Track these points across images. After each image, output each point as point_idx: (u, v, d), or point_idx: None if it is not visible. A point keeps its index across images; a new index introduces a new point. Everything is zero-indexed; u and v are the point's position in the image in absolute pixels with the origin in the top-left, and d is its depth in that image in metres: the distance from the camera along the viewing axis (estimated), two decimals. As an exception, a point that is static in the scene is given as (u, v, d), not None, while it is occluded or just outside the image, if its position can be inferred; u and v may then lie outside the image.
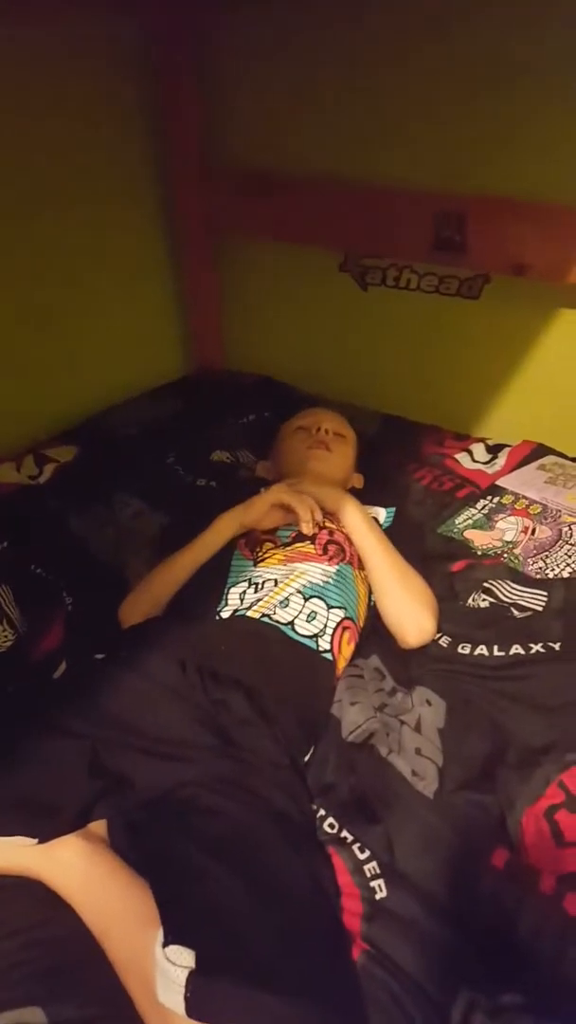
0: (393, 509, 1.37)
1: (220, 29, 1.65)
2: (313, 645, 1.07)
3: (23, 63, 1.46)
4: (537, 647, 1.12)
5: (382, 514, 1.35)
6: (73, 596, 1.31)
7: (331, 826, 0.92)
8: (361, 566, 1.21)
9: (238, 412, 1.85)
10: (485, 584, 1.25)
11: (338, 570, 1.16)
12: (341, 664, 1.11)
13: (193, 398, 1.93)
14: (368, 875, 0.86)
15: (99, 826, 0.90)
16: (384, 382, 1.87)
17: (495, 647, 1.13)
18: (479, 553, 1.36)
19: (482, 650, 1.13)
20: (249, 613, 1.08)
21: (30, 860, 0.85)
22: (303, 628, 1.07)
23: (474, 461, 1.62)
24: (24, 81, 1.48)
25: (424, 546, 1.39)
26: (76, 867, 0.84)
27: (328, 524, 1.24)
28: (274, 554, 1.18)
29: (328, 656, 1.07)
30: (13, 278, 1.60)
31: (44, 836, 0.83)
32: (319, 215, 1.66)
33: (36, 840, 0.83)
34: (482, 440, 1.69)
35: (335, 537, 1.22)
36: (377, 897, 0.84)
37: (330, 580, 1.14)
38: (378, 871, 0.86)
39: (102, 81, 1.63)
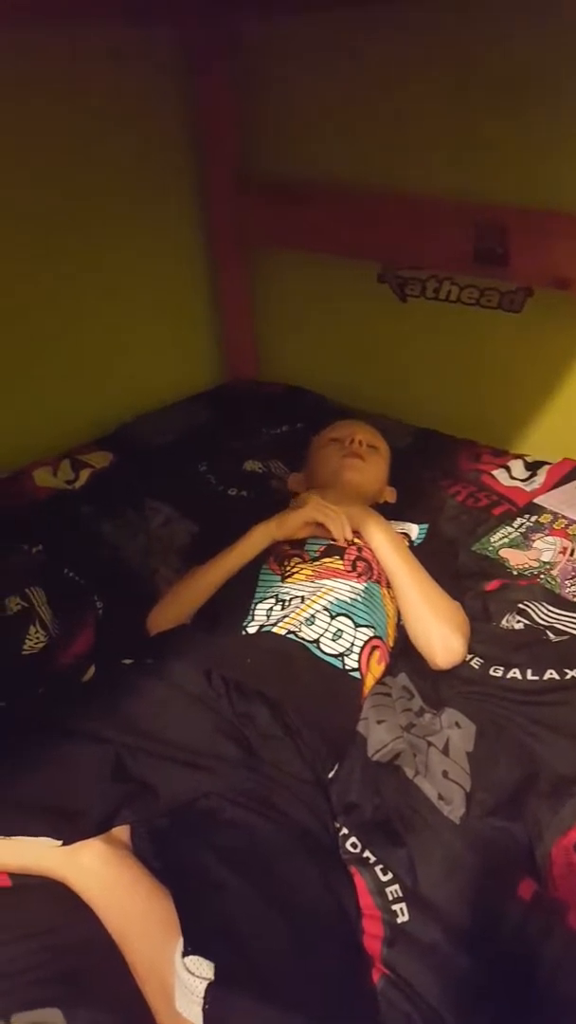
0: (426, 525, 1.35)
1: (257, 42, 1.66)
2: (339, 664, 1.05)
3: (61, 75, 1.49)
4: (572, 672, 1.09)
5: (414, 530, 1.33)
6: (104, 601, 1.32)
7: (354, 845, 0.90)
8: (389, 585, 1.20)
9: (271, 423, 1.86)
10: (520, 605, 1.22)
11: (366, 588, 1.15)
12: (370, 683, 1.09)
13: (226, 408, 1.94)
14: (390, 898, 0.85)
15: (122, 831, 0.90)
16: (421, 395, 1.86)
17: (529, 671, 1.10)
18: (514, 573, 1.34)
19: (515, 673, 1.10)
20: (275, 629, 1.07)
21: (53, 862, 0.85)
22: (329, 647, 1.06)
23: (512, 478, 1.60)
24: (61, 93, 1.50)
25: (456, 564, 1.37)
26: (98, 871, 0.84)
27: (356, 540, 1.23)
28: (302, 569, 1.17)
29: (356, 675, 1.06)
30: (50, 287, 1.63)
31: (68, 839, 0.84)
32: (357, 226, 1.65)
33: (60, 842, 0.83)
34: (521, 457, 1.67)
35: (363, 554, 1.20)
36: (399, 921, 0.83)
37: (358, 598, 1.13)
38: (400, 894, 0.85)
39: (140, 93, 1.66)
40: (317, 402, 1.93)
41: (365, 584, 1.15)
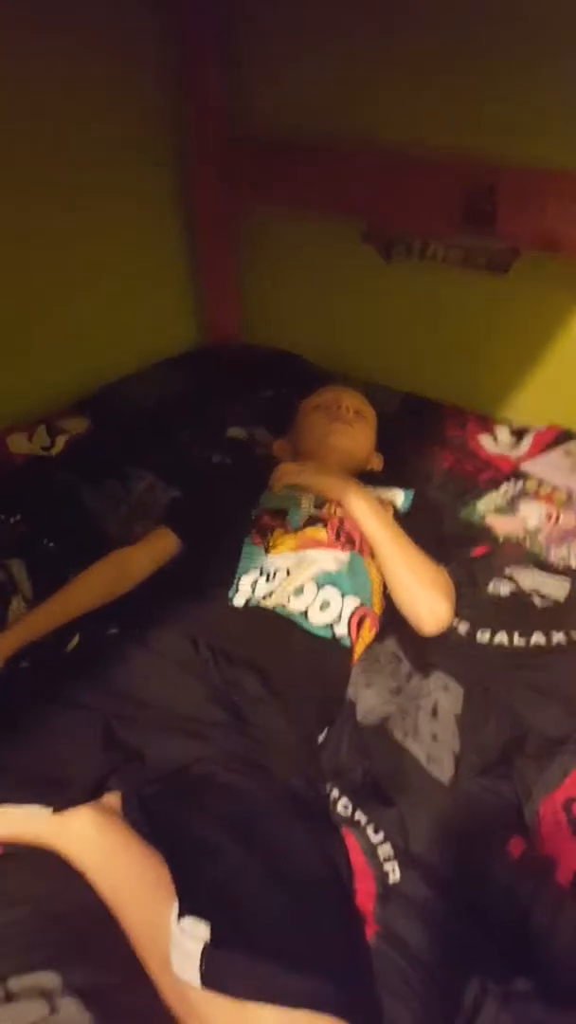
0: (412, 491, 1.34)
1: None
2: (327, 634, 1.05)
3: (45, 23, 1.43)
4: (559, 636, 1.10)
5: (400, 496, 1.32)
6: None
7: (344, 807, 0.91)
8: (372, 554, 1.19)
9: (255, 388, 1.82)
10: (506, 571, 1.23)
11: (350, 557, 1.14)
12: (360, 649, 1.09)
13: (209, 372, 1.90)
14: (382, 857, 0.86)
15: (113, 799, 0.89)
16: (406, 360, 1.84)
17: (516, 635, 1.11)
18: (500, 539, 1.34)
19: (502, 637, 1.11)
20: (263, 603, 1.06)
21: (44, 830, 0.85)
22: (316, 618, 1.05)
23: (497, 444, 1.59)
24: (45, 41, 1.45)
25: (442, 530, 1.36)
26: (89, 838, 0.84)
27: (339, 511, 1.21)
28: (285, 541, 1.15)
29: (346, 642, 1.06)
30: (26, 245, 1.58)
31: (58, 806, 0.83)
32: (343, 183, 1.62)
33: (50, 810, 0.83)
34: (506, 423, 1.66)
35: (345, 525, 1.19)
36: (390, 880, 0.84)
37: (343, 568, 1.12)
38: (392, 854, 0.86)
39: (125, 44, 1.59)
40: (302, 366, 1.90)
41: (349, 554, 1.14)
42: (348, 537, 1.17)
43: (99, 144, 1.63)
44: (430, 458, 1.55)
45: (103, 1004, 0.72)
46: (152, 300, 1.94)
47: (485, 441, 1.60)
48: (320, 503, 1.23)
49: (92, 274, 1.74)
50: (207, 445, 1.63)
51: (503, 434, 1.62)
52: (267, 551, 1.14)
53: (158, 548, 1.27)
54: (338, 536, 1.16)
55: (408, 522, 1.23)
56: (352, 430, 1.38)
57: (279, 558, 1.12)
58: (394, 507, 1.29)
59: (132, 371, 1.85)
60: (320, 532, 1.16)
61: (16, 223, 1.55)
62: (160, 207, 1.86)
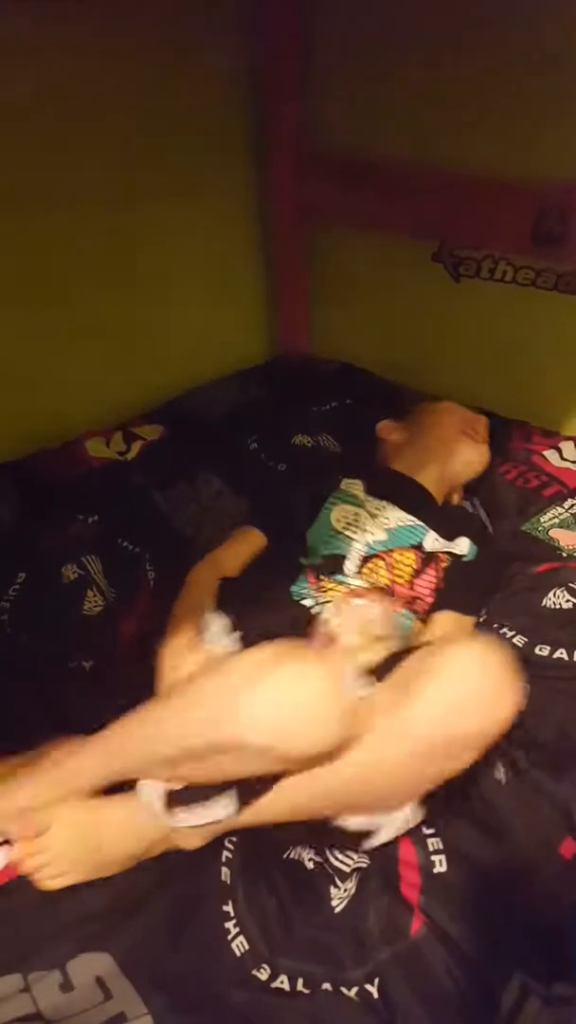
0: (476, 547, 1.29)
1: (324, 11, 1.65)
2: None
3: (118, 32, 1.46)
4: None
5: (465, 546, 1.28)
6: (156, 570, 1.36)
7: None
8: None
9: (320, 399, 1.86)
10: (571, 584, 1.21)
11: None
12: None
13: (277, 384, 1.95)
14: (430, 848, 0.87)
15: None
16: (471, 375, 1.85)
17: (576, 652, 1.10)
18: (564, 555, 1.34)
19: (562, 653, 1.10)
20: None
21: None
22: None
23: (563, 459, 1.58)
24: (121, 54, 1.48)
25: (501, 580, 1.31)
26: None
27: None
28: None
29: None
30: (103, 259, 1.64)
31: None
32: (416, 203, 1.65)
33: None
34: (572, 438, 1.65)
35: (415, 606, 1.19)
36: (435, 871, 0.86)
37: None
38: (440, 847, 0.87)
39: (203, 61, 1.63)
40: (366, 379, 1.94)
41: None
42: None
43: (178, 161, 1.68)
44: (493, 471, 1.56)
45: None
46: (227, 315, 2.00)
47: (550, 455, 1.59)
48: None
49: (170, 289, 1.81)
50: (274, 454, 1.68)
51: (568, 449, 1.61)
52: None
53: (246, 546, 1.32)
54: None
55: (471, 569, 1.25)
56: (485, 449, 1.48)
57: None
58: (455, 555, 1.27)
59: (204, 383, 1.92)
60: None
61: (100, 241, 1.62)
62: (236, 224, 1.92)
